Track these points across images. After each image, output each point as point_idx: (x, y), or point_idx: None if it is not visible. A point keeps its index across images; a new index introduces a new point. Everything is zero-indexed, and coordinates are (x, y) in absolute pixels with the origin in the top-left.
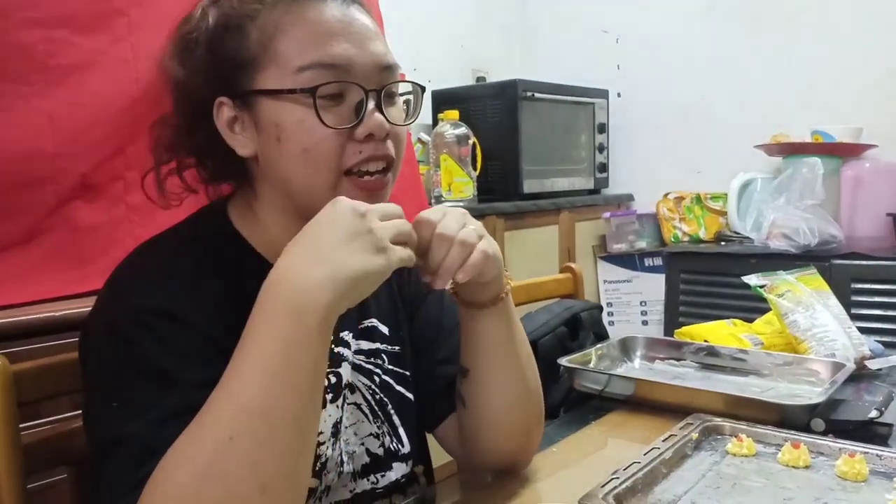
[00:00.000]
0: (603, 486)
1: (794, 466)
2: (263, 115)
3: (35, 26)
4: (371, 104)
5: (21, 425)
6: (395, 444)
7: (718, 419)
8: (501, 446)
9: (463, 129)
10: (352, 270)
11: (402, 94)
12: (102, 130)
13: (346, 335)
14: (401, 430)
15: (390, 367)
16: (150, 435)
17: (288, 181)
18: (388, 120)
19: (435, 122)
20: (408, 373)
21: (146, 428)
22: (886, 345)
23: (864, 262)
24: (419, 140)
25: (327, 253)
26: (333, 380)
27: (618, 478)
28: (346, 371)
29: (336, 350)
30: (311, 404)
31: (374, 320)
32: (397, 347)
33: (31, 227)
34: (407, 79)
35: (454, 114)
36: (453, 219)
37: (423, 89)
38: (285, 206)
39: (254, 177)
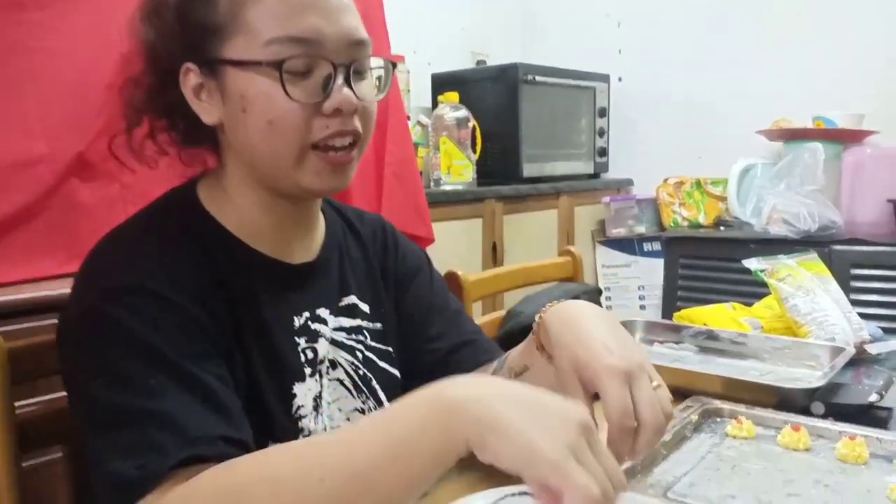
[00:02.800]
0: None
1: (793, 449)
2: (229, 84)
3: (16, 9)
4: (339, 79)
5: (16, 403)
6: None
7: (718, 402)
8: None
9: (463, 112)
10: (529, 442)
11: (374, 69)
12: (94, 109)
13: (324, 312)
14: (387, 406)
15: (372, 343)
16: (167, 411)
17: (252, 152)
18: (356, 95)
19: (434, 104)
20: (391, 349)
21: (163, 405)
22: (886, 330)
23: (863, 248)
24: (418, 122)
25: (524, 416)
26: (311, 355)
27: None
28: (322, 347)
29: (313, 327)
30: (397, 495)
31: (353, 297)
32: (378, 324)
33: (28, 206)
34: (381, 56)
35: (454, 96)
36: (647, 397)
37: (394, 66)
38: (250, 178)
39: (221, 146)
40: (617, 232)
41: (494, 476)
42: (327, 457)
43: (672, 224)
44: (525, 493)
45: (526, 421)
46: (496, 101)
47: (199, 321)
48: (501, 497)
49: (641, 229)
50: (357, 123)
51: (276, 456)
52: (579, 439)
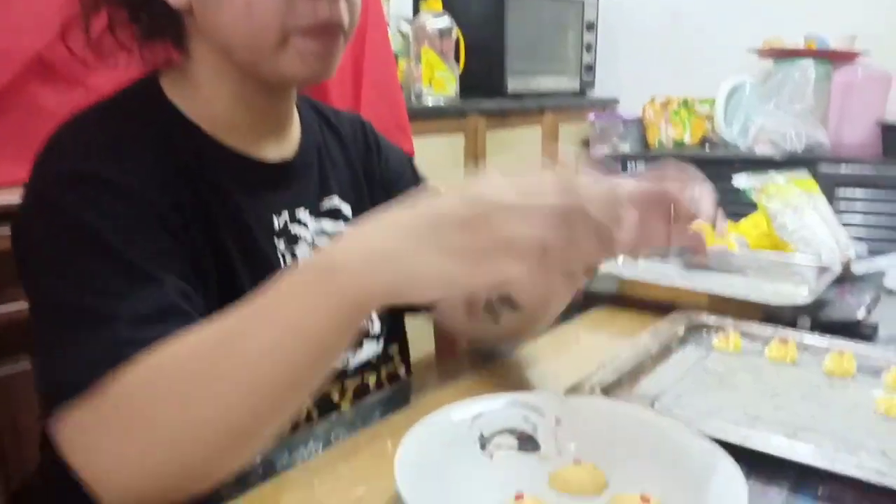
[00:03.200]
0: (590, 377)
1: (780, 362)
2: None
3: None
4: None
5: None
6: (363, 323)
7: (704, 315)
8: (524, 329)
9: (446, 20)
10: (413, 271)
11: None
12: (53, 7)
13: (303, 214)
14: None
15: None
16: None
17: (228, 38)
18: None
19: (415, 12)
20: None
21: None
22: (870, 250)
23: (849, 168)
24: (399, 31)
25: (401, 235)
26: (290, 260)
27: (605, 368)
28: (302, 251)
29: (292, 231)
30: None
31: (335, 198)
32: None
33: None
34: None
35: (436, 3)
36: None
37: None
38: (223, 67)
39: (187, 33)
40: (601, 150)
41: (480, 387)
42: (234, 339)
43: (657, 144)
44: (523, 404)
45: (411, 243)
46: (481, 11)
47: (160, 214)
48: (507, 404)
49: (626, 148)
50: (343, 9)
51: (189, 348)
52: (466, 230)
